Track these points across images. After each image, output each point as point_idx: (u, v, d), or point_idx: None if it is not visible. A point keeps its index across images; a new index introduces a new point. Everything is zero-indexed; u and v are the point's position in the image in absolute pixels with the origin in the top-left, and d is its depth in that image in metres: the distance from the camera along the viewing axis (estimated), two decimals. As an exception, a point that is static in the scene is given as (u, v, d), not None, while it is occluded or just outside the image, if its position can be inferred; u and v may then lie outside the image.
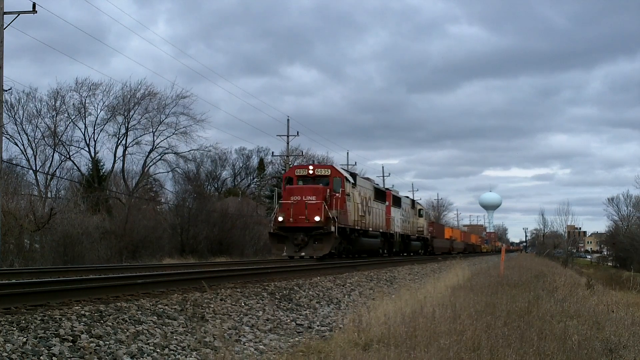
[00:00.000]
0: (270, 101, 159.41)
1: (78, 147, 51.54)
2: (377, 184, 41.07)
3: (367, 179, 37.28)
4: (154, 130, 52.50)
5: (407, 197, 50.52)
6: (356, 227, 29.91)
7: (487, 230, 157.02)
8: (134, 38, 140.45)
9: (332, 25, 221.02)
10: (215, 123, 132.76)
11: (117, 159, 52.15)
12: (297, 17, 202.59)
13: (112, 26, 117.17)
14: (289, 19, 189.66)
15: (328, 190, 27.05)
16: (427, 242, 53.98)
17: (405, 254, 44.60)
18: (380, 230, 35.38)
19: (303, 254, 26.01)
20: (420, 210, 52.60)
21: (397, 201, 41.66)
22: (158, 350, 7.43)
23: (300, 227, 26.05)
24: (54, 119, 50.45)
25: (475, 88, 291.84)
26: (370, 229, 32.59)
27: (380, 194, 37.09)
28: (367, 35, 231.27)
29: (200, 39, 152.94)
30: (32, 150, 49.75)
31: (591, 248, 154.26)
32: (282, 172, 56.65)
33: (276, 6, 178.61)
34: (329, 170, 28.72)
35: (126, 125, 51.82)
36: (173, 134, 52.89)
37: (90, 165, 51.85)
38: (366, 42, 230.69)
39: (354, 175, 32.56)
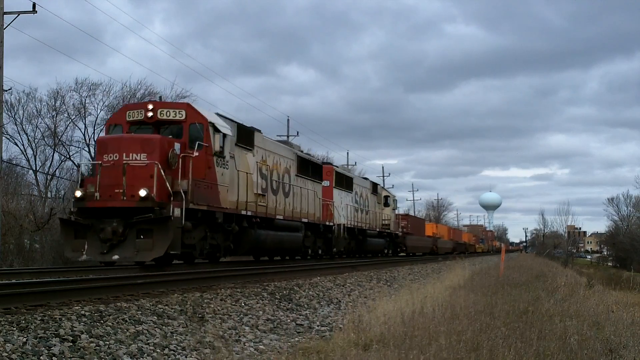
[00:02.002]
0: (267, 101, 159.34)
1: (78, 147, 51.53)
2: (310, 156, 29.00)
3: (287, 143, 26.67)
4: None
5: (366, 178, 39.75)
6: (244, 213, 18.85)
7: (485, 229, 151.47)
8: (130, 38, 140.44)
9: (328, 25, 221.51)
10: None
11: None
12: (293, 16, 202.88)
13: (108, 26, 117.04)
14: (285, 18, 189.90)
15: (177, 145, 15.99)
16: (396, 240, 43.66)
17: (358, 255, 34.25)
18: (305, 220, 24.46)
19: (116, 257, 14.96)
20: (386, 197, 41.40)
21: (344, 182, 31.45)
22: (158, 350, 7.43)
23: (114, 208, 15.00)
24: (54, 119, 50.42)
25: (473, 88, 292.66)
26: (281, 217, 21.85)
27: (311, 168, 26.13)
28: (363, 35, 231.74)
29: (197, 38, 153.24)
30: (32, 150, 49.69)
31: (591, 248, 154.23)
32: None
33: (272, 6, 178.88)
34: (184, 112, 16.60)
35: (126, 125, 51.63)
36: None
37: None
38: (362, 41, 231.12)
39: (248, 130, 20.05)
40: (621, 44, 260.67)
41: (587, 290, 18.52)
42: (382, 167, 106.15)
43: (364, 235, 34.35)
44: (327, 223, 27.72)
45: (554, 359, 7.25)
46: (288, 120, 53.86)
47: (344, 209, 30.71)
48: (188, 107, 17.03)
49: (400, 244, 45.37)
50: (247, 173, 19.21)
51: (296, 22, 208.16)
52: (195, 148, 16.11)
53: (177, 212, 15.11)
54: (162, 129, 16.67)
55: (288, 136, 52.65)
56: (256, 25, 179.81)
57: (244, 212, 18.89)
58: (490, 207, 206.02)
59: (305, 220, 24.65)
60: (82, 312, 8.08)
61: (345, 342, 8.39)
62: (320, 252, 27.68)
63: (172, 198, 15.21)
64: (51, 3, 79.26)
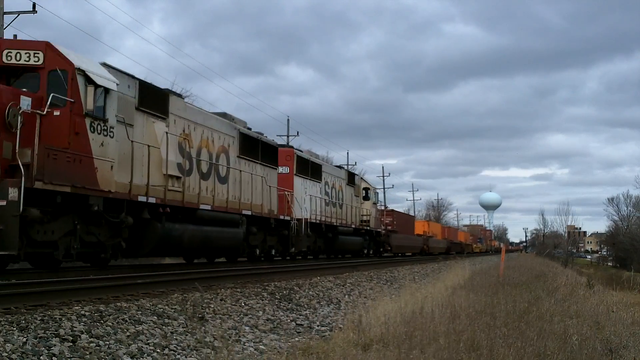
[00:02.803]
0: (266, 101, 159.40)
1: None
2: (262, 134, 22.71)
3: (227, 116, 20.38)
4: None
5: (341, 167, 35.84)
6: (144, 200, 14.48)
7: (485, 229, 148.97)
8: (129, 38, 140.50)
9: (326, 25, 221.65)
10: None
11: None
12: (291, 16, 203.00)
13: (107, 25, 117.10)
14: (283, 18, 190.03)
15: (26, 99, 11.58)
16: (377, 239, 38.75)
17: (327, 256, 30.24)
18: (248, 212, 19.83)
19: None
20: (366, 190, 36.54)
21: (310, 170, 26.80)
22: (158, 350, 7.43)
23: None
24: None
25: (472, 88, 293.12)
26: (208, 207, 17.29)
27: (261, 150, 21.69)
28: (362, 35, 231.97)
29: (195, 38, 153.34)
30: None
31: (591, 248, 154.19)
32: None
33: (270, 5, 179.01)
34: (41, 55, 12.10)
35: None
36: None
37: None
38: (361, 41, 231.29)
39: (159, 92, 15.91)
40: (620, 44, 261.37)
41: (587, 290, 18.53)
42: (382, 167, 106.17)
43: (335, 233, 29.41)
44: (283, 217, 22.86)
45: (554, 359, 7.25)
46: (288, 120, 53.88)
47: (308, 202, 25.86)
48: (48, 48, 12.16)
49: (384, 243, 40.83)
50: (150, 147, 14.58)
51: (295, 22, 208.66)
52: (49, 103, 11.60)
53: (12, 193, 10.53)
54: (15, 79, 12.23)
55: (288, 136, 52.73)
56: (255, 25, 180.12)
57: (142, 199, 14.26)
58: (490, 207, 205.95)
59: (248, 212, 19.75)
60: (82, 312, 8.08)
61: (345, 342, 8.39)
62: (274, 252, 22.80)
63: (7, 173, 10.98)
64: (50, 3, 79.35)
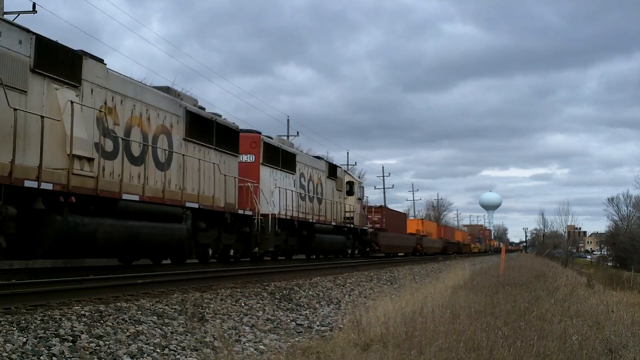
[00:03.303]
0: (265, 101, 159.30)
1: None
2: (217, 115, 19.28)
3: (171, 91, 17.21)
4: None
5: (321, 158, 31.88)
6: (36, 186, 11.27)
7: (484, 228, 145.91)
8: (128, 37, 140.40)
9: (325, 25, 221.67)
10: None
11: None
12: (291, 16, 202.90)
13: (105, 25, 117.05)
14: (283, 18, 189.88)
15: None
16: (363, 238, 35.09)
17: (305, 256, 27.91)
18: (194, 205, 16.58)
19: None
20: (350, 184, 33.14)
21: (282, 159, 23.79)
22: (158, 350, 7.43)
23: None
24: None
25: (471, 87, 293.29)
26: (135, 197, 14.24)
27: (217, 133, 18.37)
28: (361, 35, 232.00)
29: (194, 38, 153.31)
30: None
31: (591, 248, 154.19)
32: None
33: (269, 5, 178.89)
34: None
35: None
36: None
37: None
38: (360, 41, 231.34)
39: (66, 52, 12.64)
40: (620, 44, 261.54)
41: (587, 290, 18.53)
42: (382, 167, 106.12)
43: (312, 231, 25.75)
44: (243, 212, 19.43)
45: (554, 359, 7.25)
46: (288, 120, 53.83)
47: (278, 195, 22.79)
48: None
49: (371, 242, 37.35)
50: (46, 118, 11.44)
51: (294, 21, 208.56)
52: None
53: None
54: None
55: (288, 136, 52.71)
56: (254, 24, 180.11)
57: (31, 184, 11.06)
58: (490, 207, 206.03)
59: (195, 204, 16.44)
60: (82, 312, 8.08)
61: (345, 342, 8.39)
62: (232, 252, 19.29)
63: None
64: (50, 3, 79.31)
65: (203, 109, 18.61)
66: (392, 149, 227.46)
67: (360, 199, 35.29)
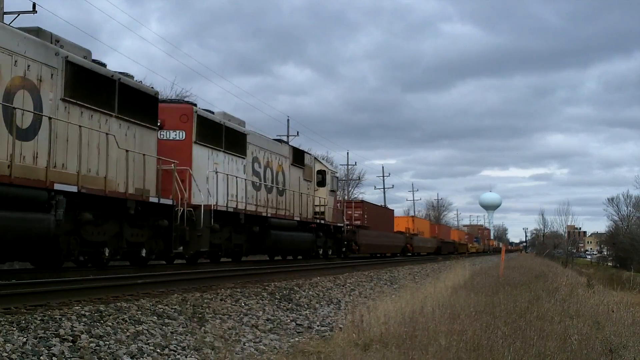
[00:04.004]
0: (264, 100, 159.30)
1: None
2: (126, 76, 14.78)
3: (42, 32, 12.64)
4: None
5: (283, 141, 27.25)
6: None
7: (483, 228, 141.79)
8: (126, 37, 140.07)
9: (324, 24, 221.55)
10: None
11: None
12: (289, 16, 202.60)
13: (104, 25, 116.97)
14: (281, 17, 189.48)
15: None
16: (337, 236, 30.39)
17: (268, 257, 25.15)
18: (80, 188, 12.49)
19: None
20: (321, 173, 28.62)
21: (225, 138, 19.40)
22: (158, 350, 7.43)
23: None
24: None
25: (470, 87, 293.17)
26: None
27: (118, 94, 14.17)
28: (359, 34, 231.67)
29: (193, 37, 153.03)
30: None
31: (591, 248, 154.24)
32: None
33: (267, 5, 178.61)
34: None
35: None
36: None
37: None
38: (359, 41, 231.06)
39: None
40: (619, 44, 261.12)
41: (587, 290, 18.53)
42: (382, 167, 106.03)
43: (266, 227, 21.39)
44: (159, 201, 15.04)
45: (555, 359, 7.25)
46: (288, 120, 53.73)
47: (219, 182, 18.49)
48: None
49: (350, 241, 32.92)
50: None
51: (292, 21, 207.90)
52: None
53: None
54: None
55: (288, 136, 52.75)
56: (252, 24, 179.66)
57: None
58: (490, 207, 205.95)
59: (70, 187, 12.25)
60: (82, 312, 8.08)
61: (346, 342, 8.40)
62: (145, 252, 15.04)
63: None
64: (49, 2, 79.18)
65: (104, 65, 14.12)
66: (391, 149, 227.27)
67: (334, 191, 30.45)
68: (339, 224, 30.40)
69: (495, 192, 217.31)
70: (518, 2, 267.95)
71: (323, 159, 37.01)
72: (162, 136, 16.81)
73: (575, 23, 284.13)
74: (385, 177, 78.39)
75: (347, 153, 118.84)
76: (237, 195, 20.05)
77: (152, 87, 16.78)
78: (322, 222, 27.76)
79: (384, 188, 77.48)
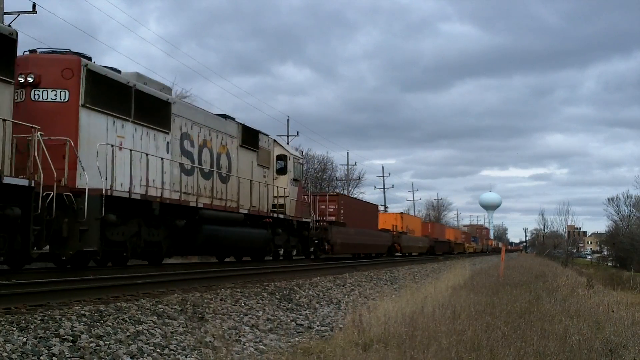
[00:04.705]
0: (264, 100, 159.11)
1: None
2: None
3: None
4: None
5: (229, 117, 21.11)
6: None
7: (482, 227, 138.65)
8: (125, 37, 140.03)
9: (322, 24, 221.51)
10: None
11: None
12: (288, 15, 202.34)
13: (102, 25, 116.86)
14: (279, 17, 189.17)
15: None
16: (304, 233, 25.93)
17: (201, 259, 23.25)
18: None
19: None
20: (282, 159, 24.35)
21: (134, 104, 15.24)
22: (158, 350, 7.43)
23: None
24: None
25: (469, 87, 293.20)
26: None
27: None
28: (358, 34, 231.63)
29: (192, 37, 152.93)
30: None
31: (591, 248, 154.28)
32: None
33: (266, 4, 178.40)
34: None
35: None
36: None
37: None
38: (357, 40, 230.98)
39: None
40: (618, 43, 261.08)
41: (587, 290, 18.54)
42: (382, 167, 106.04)
43: (198, 220, 17.34)
44: (12, 181, 11.07)
45: (555, 359, 7.25)
46: (288, 120, 53.64)
47: (122, 160, 14.58)
48: None
49: (321, 239, 28.55)
50: None
51: (291, 21, 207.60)
52: None
53: None
54: None
55: (288, 136, 52.73)
56: (251, 24, 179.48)
57: None
58: (490, 207, 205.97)
59: None
60: (82, 312, 8.08)
61: (346, 342, 8.40)
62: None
63: None
64: (48, 2, 79.27)
65: None
66: (391, 149, 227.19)
67: (297, 180, 25.76)
68: (305, 219, 25.88)
69: (495, 192, 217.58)
70: (517, 1, 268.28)
71: (303, 152, 32.81)
72: (36, 96, 13.31)
73: (575, 23, 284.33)
74: (385, 177, 78.44)
75: (347, 153, 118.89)
76: (158, 180, 15.85)
77: (10, 27, 12.97)
78: (282, 216, 23.28)
79: (384, 188, 77.52)
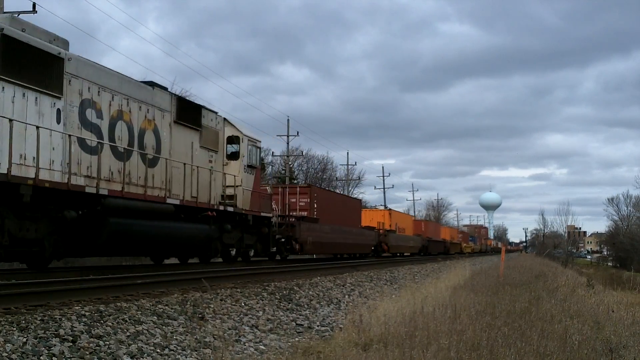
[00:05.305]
0: (263, 100, 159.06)
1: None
2: None
3: None
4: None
5: (159, 86, 17.21)
6: None
7: (481, 227, 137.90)
8: (124, 37, 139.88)
9: (321, 24, 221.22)
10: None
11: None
12: (286, 15, 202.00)
13: (101, 25, 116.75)
14: (278, 17, 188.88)
15: None
16: (264, 230, 22.29)
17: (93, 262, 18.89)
18: None
19: None
20: (232, 141, 20.86)
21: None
22: (158, 350, 7.43)
23: None
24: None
25: (468, 87, 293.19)
26: None
27: None
28: (357, 34, 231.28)
29: (190, 37, 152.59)
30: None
31: (591, 248, 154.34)
32: (283, 172, 56.50)
33: (264, 4, 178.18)
34: None
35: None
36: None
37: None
38: (356, 40, 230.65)
39: None
40: (617, 43, 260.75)
41: (587, 290, 18.54)
42: (382, 167, 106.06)
43: (102, 212, 13.85)
44: None
45: (555, 359, 7.25)
46: (288, 120, 53.59)
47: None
48: None
49: (288, 238, 25.15)
50: None
51: (289, 21, 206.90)
52: None
53: None
54: None
55: (288, 136, 52.72)
56: (249, 24, 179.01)
57: None
58: (490, 207, 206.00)
59: None
60: (82, 312, 8.08)
61: (346, 342, 8.40)
62: None
63: None
64: (46, 1, 79.27)
65: None
66: (390, 149, 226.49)
67: (253, 167, 21.75)
68: (264, 214, 22.18)
69: (495, 192, 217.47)
70: (516, 1, 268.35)
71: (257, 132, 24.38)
72: None
73: (574, 23, 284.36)
74: (385, 177, 78.40)
75: (347, 153, 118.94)
76: (36, 158, 12.09)
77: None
78: (232, 209, 19.66)
79: (384, 188, 77.53)
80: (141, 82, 16.63)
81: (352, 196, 50.63)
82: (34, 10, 23.19)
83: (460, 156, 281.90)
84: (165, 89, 17.52)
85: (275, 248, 24.19)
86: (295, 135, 53.62)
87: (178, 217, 16.90)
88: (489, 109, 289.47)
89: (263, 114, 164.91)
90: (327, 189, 47.31)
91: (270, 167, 70.43)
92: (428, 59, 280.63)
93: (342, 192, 56.90)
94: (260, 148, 23.39)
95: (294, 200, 28.46)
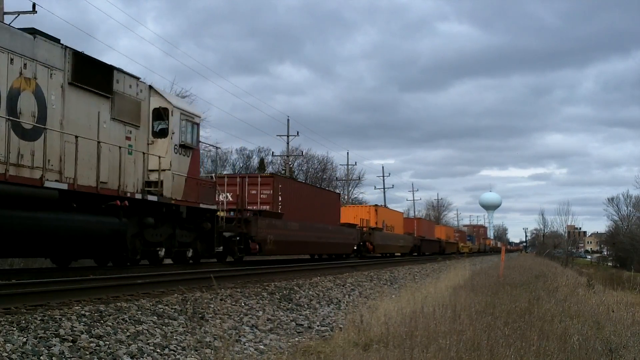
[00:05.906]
0: (262, 100, 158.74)
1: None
2: None
3: None
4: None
5: (43, 35, 12.74)
6: None
7: (480, 227, 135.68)
8: (123, 37, 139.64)
9: (320, 24, 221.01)
10: (209, 122, 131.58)
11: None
12: (285, 15, 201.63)
13: (100, 24, 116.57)
14: (277, 17, 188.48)
15: None
16: (205, 225, 18.35)
17: None
18: None
19: None
20: (159, 113, 16.58)
21: None
22: (158, 350, 7.43)
23: None
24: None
25: (468, 87, 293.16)
26: None
27: None
28: (356, 34, 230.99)
29: (189, 37, 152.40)
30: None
31: (591, 248, 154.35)
32: (283, 172, 56.48)
33: (263, 4, 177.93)
34: None
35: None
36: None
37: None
38: (355, 40, 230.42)
39: None
40: (617, 43, 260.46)
41: (587, 290, 18.53)
42: (382, 167, 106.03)
43: None
44: None
45: (555, 359, 7.25)
46: (288, 120, 53.54)
47: None
48: None
49: (244, 236, 21.30)
50: None
51: (288, 20, 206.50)
52: None
53: None
54: None
55: (288, 136, 52.70)
56: (248, 24, 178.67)
57: None
58: (490, 207, 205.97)
59: None
60: (82, 312, 8.08)
61: (346, 342, 8.40)
62: None
63: None
64: (45, 1, 79.14)
65: None
66: (390, 149, 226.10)
67: (188, 148, 17.77)
68: (205, 206, 18.31)
69: (495, 192, 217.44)
70: (515, 1, 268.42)
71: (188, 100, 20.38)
72: None
73: (573, 22, 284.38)
74: (385, 177, 78.36)
75: (347, 153, 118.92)
76: None
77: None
78: (156, 199, 15.98)
79: (384, 188, 77.50)
80: (17, 28, 12.66)
81: (328, 189, 44.63)
82: (33, 11, 23.20)
83: (460, 156, 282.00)
84: (57, 40, 13.29)
85: (221, 248, 20.17)
86: (295, 135, 53.64)
87: (69, 206, 13.19)
88: (489, 108, 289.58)
89: (263, 113, 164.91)
90: (300, 180, 40.35)
91: (271, 167, 70.48)
92: (427, 58, 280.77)
93: (340, 192, 56.79)
94: (198, 124, 18.49)
95: (254, 192, 24.12)
